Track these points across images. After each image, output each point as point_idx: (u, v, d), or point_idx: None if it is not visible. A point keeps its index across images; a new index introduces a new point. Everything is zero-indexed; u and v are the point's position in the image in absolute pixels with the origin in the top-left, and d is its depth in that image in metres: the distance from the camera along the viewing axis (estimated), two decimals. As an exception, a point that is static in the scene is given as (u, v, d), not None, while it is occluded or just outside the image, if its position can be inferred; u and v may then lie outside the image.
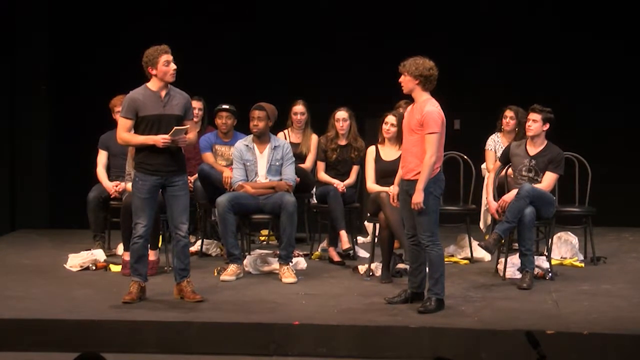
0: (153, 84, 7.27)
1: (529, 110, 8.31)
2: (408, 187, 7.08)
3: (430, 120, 6.96)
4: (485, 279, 8.27)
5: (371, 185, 8.54)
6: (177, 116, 7.25)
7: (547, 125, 8.21)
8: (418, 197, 6.96)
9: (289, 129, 9.49)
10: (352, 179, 9.18)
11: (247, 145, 8.55)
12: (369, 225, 8.97)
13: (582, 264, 8.88)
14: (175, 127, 7.13)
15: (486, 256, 8.94)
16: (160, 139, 7.14)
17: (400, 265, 8.20)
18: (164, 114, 7.22)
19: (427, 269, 7.23)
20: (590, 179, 8.93)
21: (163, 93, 7.27)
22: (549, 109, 8.21)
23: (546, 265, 8.29)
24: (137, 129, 7.28)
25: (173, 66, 7.21)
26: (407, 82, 7.06)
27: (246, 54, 11.22)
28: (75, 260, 8.62)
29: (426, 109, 6.99)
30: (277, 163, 8.51)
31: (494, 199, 8.28)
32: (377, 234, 8.43)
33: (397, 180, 7.33)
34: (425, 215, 7.01)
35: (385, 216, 8.03)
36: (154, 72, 7.21)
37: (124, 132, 7.28)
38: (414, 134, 7.05)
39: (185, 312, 7.01)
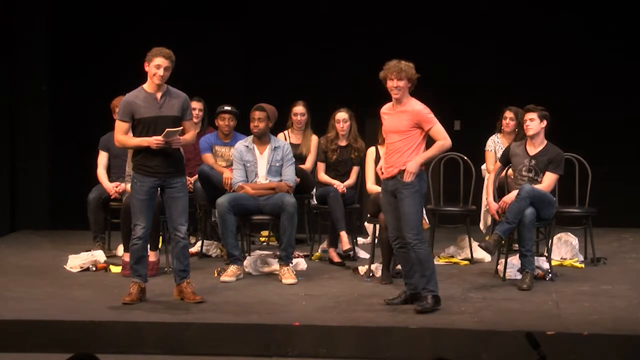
0: (149, 86, 7.27)
1: (524, 111, 8.33)
2: (393, 186, 7.09)
3: (425, 117, 7.04)
4: (486, 279, 8.27)
5: (371, 186, 8.55)
6: (173, 117, 7.24)
7: (545, 122, 8.22)
8: (413, 167, 6.97)
9: (289, 130, 9.48)
10: (352, 179, 9.18)
11: (247, 146, 8.55)
12: (369, 226, 8.97)
13: (582, 265, 8.88)
14: (168, 129, 7.12)
15: (486, 257, 8.95)
16: (153, 141, 7.13)
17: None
18: (160, 115, 7.21)
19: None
20: (590, 180, 8.94)
21: (159, 95, 7.26)
22: (542, 107, 8.23)
23: (546, 266, 8.29)
24: (134, 131, 7.29)
25: (160, 72, 7.16)
26: (404, 87, 7.06)
27: (246, 54, 11.22)
28: (76, 261, 8.62)
29: (416, 108, 7.07)
30: (277, 164, 8.51)
31: (494, 200, 8.28)
32: (377, 234, 8.43)
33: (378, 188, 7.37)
34: (411, 212, 7.01)
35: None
36: (146, 68, 7.22)
37: (120, 135, 7.28)
38: (403, 135, 7.07)
39: (185, 313, 7.01)
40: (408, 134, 7.05)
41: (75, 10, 11.04)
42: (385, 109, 7.26)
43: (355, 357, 6.56)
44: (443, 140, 7.08)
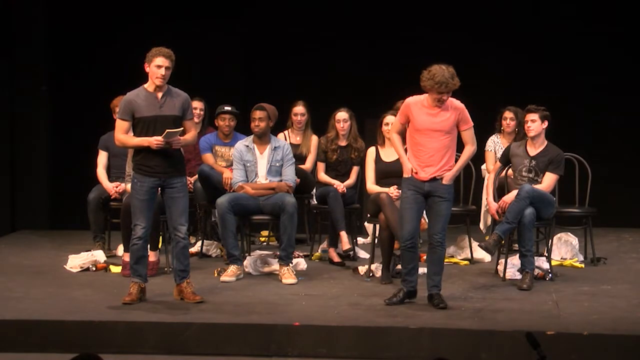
0: (150, 85, 7.26)
1: (525, 112, 8.33)
2: (431, 187, 7.13)
3: (466, 116, 7.18)
4: (486, 279, 8.27)
5: (371, 186, 8.54)
6: (174, 117, 7.23)
7: (546, 123, 8.23)
8: (450, 181, 7.13)
9: (289, 130, 9.48)
10: (352, 179, 9.18)
11: (247, 146, 8.55)
12: (369, 226, 8.97)
13: (582, 265, 8.88)
14: (168, 130, 7.11)
15: (486, 257, 8.95)
16: (153, 141, 7.13)
17: (400, 266, 8.19)
18: (160, 115, 7.20)
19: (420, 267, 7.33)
20: (590, 180, 8.94)
21: (160, 94, 7.25)
22: (543, 107, 8.24)
23: (546, 266, 8.29)
24: (135, 130, 7.28)
25: (162, 72, 7.16)
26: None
27: (246, 54, 11.22)
28: (75, 261, 8.62)
29: (460, 106, 7.18)
30: (277, 164, 8.51)
31: (494, 200, 8.28)
32: (377, 234, 8.43)
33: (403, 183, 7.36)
34: (448, 214, 7.18)
35: (385, 217, 8.03)
36: (147, 69, 7.22)
37: (121, 134, 7.28)
38: (447, 135, 7.13)
39: (185, 313, 7.01)
40: (451, 133, 7.14)
41: (75, 10, 11.04)
42: (419, 104, 7.18)
43: (355, 357, 6.56)
44: (471, 145, 7.23)
